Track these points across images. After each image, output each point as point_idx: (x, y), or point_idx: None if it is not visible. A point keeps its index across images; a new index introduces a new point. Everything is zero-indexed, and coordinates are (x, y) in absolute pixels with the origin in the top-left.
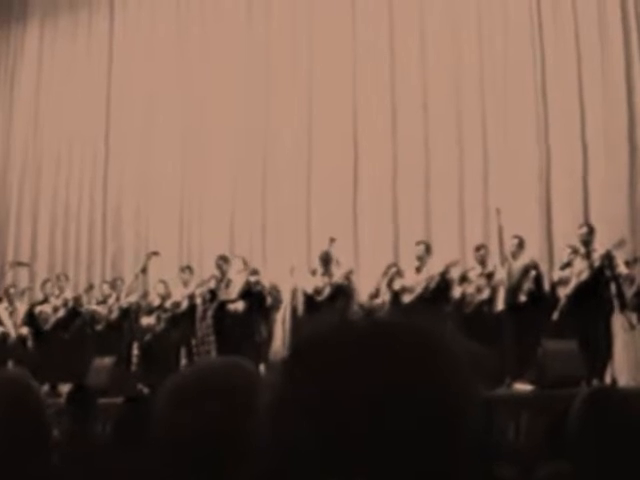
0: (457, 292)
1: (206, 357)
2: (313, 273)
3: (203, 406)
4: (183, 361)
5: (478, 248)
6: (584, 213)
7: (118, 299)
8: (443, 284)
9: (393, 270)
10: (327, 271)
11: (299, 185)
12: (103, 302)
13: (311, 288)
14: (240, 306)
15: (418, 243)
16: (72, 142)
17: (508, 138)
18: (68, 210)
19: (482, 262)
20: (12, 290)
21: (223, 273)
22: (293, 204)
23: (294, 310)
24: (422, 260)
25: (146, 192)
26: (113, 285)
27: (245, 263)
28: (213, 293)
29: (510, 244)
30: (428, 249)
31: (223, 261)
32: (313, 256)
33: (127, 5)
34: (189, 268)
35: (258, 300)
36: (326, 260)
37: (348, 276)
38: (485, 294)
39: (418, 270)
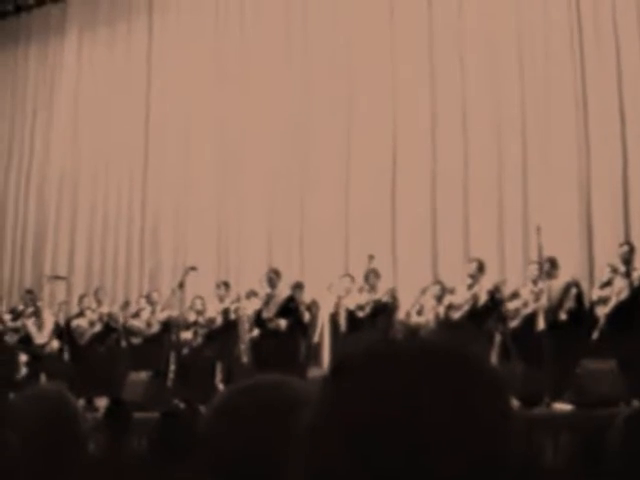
0: (506, 308)
1: (251, 374)
2: (360, 290)
3: (252, 425)
4: (218, 377)
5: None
6: (625, 231)
7: (154, 312)
8: (491, 302)
9: (437, 287)
10: (373, 288)
11: (337, 200)
12: (136, 315)
13: (352, 304)
14: (283, 324)
15: (471, 261)
16: (110, 156)
17: (548, 154)
18: (106, 224)
19: (535, 280)
20: (40, 303)
21: (273, 287)
22: (331, 219)
23: (335, 327)
24: (475, 278)
25: (184, 207)
26: (149, 299)
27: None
28: (258, 312)
29: (545, 266)
30: (481, 267)
31: (275, 275)
32: (351, 271)
33: (166, 16)
34: (225, 284)
35: (296, 317)
36: (368, 276)
37: (393, 293)
38: (530, 308)
39: (470, 287)
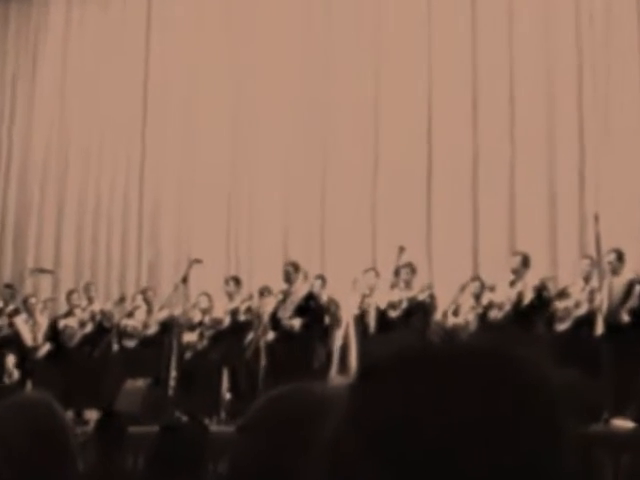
0: (554, 308)
1: (265, 382)
2: (392, 287)
3: (272, 438)
4: (225, 385)
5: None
6: None
7: (152, 311)
8: (537, 301)
9: (476, 284)
10: (407, 284)
11: (364, 183)
12: (132, 314)
13: (383, 302)
14: (297, 324)
15: (515, 254)
16: (103, 133)
17: (608, 132)
18: (98, 210)
19: (586, 277)
20: (32, 300)
21: (290, 283)
22: (356, 207)
23: (363, 328)
24: (518, 273)
25: (188, 191)
26: (145, 296)
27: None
28: (273, 313)
29: (607, 259)
30: (526, 261)
31: (293, 269)
32: (379, 267)
33: None
34: (235, 279)
35: (315, 317)
36: (399, 271)
37: (430, 290)
38: (583, 309)
39: (512, 284)
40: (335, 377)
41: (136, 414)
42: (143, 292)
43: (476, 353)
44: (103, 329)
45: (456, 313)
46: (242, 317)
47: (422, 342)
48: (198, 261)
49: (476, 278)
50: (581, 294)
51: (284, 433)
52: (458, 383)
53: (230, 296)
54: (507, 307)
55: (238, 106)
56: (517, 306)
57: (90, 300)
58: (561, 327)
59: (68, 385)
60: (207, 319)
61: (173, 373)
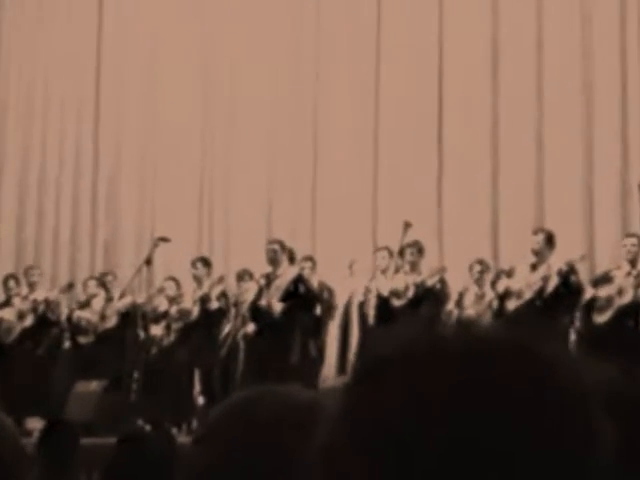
0: (589, 295)
1: (243, 384)
2: (396, 270)
3: (233, 452)
4: (197, 388)
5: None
6: None
7: (109, 300)
8: (564, 287)
9: (477, 267)
10: (414, 267)
11: (362, 150)
12: (86, 304)
13: (385, 289)
14: (277, 307)
15: (536, 232)
16: (49, 87)
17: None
18: (43, 179)
19: (633, 260)
20: None
21: (275, 265)
22: (353, 176)
23: (362, 318)
24: (541, 255)
25: (152, 156)
26: (101, 282)
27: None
28: (254, 301)
29: None
30: (550, 240)
31: (279, 248)
32: (381, 245)
33: None
34: (203, 260)
35: (305, 306)
36: (404, 251)
37: (441, 276)
38: (627, 297)
39: (534, 267)
40: (328, 377)
41: (89, 423)
42: (100, 277)
43: (496, 348)
44: (47, 323)
45: (458, 302)
46: (214, 305)
47: (431, 336)
48: (164, 240)
49: (479, 261)
50: (626, 280)
51: (248, 446)
52: (475, 384)
53: (198, 281)
54: (527, 294)
55: (211, 60)
56: (540, 294)
57: (32, 287)
58: (601, 318)
59: (5, 389)
60: (174, 309)
61: (135, 374)
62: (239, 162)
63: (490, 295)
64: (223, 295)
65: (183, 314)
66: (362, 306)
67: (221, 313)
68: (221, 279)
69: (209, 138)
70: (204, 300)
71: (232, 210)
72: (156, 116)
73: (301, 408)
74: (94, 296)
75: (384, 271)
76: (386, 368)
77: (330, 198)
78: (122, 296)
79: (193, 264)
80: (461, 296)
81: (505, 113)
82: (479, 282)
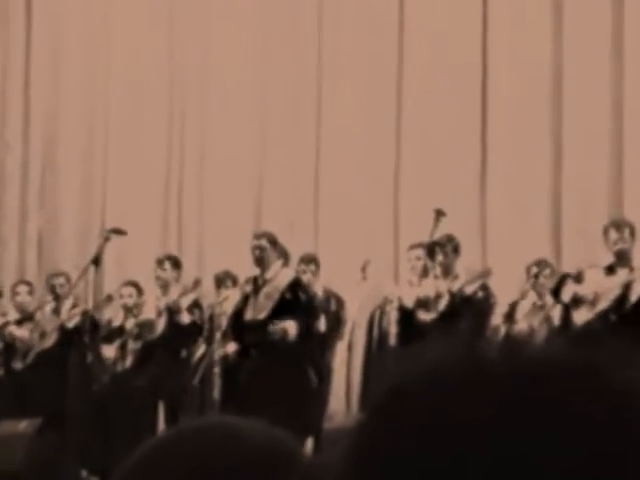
0: None
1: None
2: (423, 274)
3: None
4: (162, 424)
5: None
6: None
7: (57, 311)
8: None
9: (547, 271)
10: (447, 270)
11: (381, 117)
12: (22, 321)
13: (409, 298)
14: (293, 329)
15: (617, 225)
16: None
17: None
18: None
19: None
20: None
21: (264, 267)
22: (368, 157)
23: (380, 335)
24: (623, 255)
25: (101, 126)
26: (50, 286)
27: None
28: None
29: None
30: (632, 234)
31: (269, 245)
32: (403, 243)
33: None
34: (172, 260)
35: (305, 320)
36: (434, 250)
37: (484, 281)
38: None
39: (611, 271)
40: (336, 413)
41: (16, 474)
42: (48, 280)
43: (556, 374)
44: None
45: (510, 314)
46: (185, 318)
47: (470, 359)
48: (118, 232)
49: (541, 262)
50: None
51: None
52: (530, 420)
53: (164, 286)
54: (602, 304)
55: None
56: (618, 305)
57: None
58: None
59: None
60: (132, 323)
61: (79, 408)
62: (217, 133)
63: (552, 305)
64: (196, 305)
65: (144, 329)
66: (380, 321)
67: (194, 329)
68: (196, 284)
69: (178, 102)
70: (172, 311)
71: (209, 195)
72: (102, 72)
73: (254, 453)
74: (41, 306)
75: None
76: (412, 400)
77: (337, 183)
78: (75, 306)
79: (159, 264)
80: (513, 307)
81: (568, 71)
82: (538, 289)
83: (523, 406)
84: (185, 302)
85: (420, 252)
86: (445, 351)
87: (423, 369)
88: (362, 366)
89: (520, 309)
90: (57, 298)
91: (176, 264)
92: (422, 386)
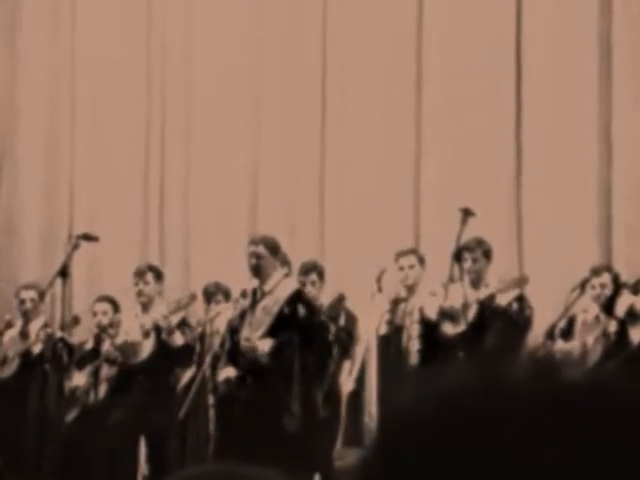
0: None
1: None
2: (449, 281)
3: None
4: (143, 468)
5: None
6: None
7: (24, 333)
8: None
9: (606, 276)
10: (478, 277)
11: (401, 120)
12: None
13: (432, 309)
14: (264, 347)
15: None
16: None
17: None
18: None
19: None
20: None
21: (262, 277)
22: (383, 149)
23: (399, 354)
24: None
25: (64, 108)
26: (20, 301)
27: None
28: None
29: None
30: None
31: (268, 252)
32: (424, 248)
33: None
34: (154, 271)
35: (309, 339)
36: (461, 255)
37: (520, 290)
38: None
39: None
40: (344, 450)
41: None
42: (16, 294)
43: (609, 401)
44: None
45: (568, 331)
46: (178, 340)
47: (506, 380)
48: (88, 238)
49: (603, 268)
50: None
51: None
52: (576, 451)
53: (146, 303)
54: None
55: None
56: None
57: None
58: None
59: None
60: (107, 345)
61: (45, 447)
62: (204, 122)
63: (604, 320)
64: (185, 324)
65: (127, 353)
66: (398, 336)
67: (187, 351)
68: (192, 299)
69: (157, 89)
70: (161, 332)
71: (195, 195)
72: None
73: None
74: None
75: (412, 285)
76: (433, 431)
77: (345, 180)
78: (46, 326)
79: (139, 276)
80: (571, 321)
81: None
82: (590, 301)
83: (552, 446)
84: (173, 320)
85: (413, 259)
86: (473, 373)
87: (443, 395)
88: (377, 391)
89: (565, 324)
90: (25, 315)
91: (158, 276)
92: (439, 417)
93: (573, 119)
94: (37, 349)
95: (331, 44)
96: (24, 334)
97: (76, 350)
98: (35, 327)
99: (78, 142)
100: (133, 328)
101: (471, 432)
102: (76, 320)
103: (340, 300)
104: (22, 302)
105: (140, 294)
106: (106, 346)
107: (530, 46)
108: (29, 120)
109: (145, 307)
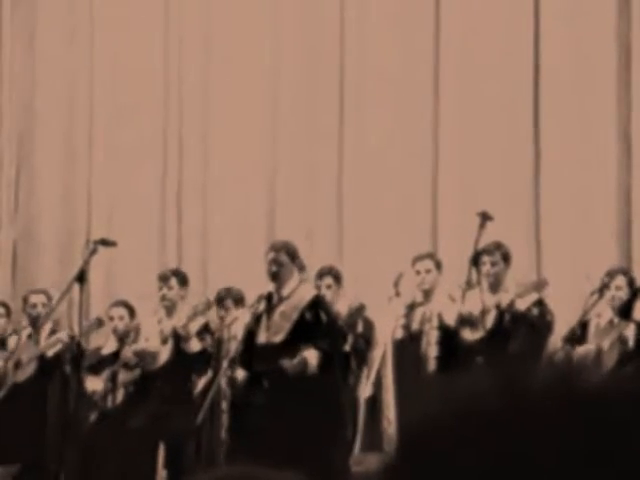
0: None
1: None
2: (467, 287)
3: None
4: (161, 474)
5: None
6: None
7: (35, 337)
8: None
9: (622, 279)
10: (497, 281)
11: (419, 122)
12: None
13: (450, 315)
14: (313, 359)
15: None
16: None
17: None
18: None
19: None
20: None
21: (280, 283)
22: (401, 152)
23: (417, 361)
24: None
25: (81, 113)
26: (28, 307)
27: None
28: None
29: None
30: None
31: (286, 256)
32: (442, 253)
33: None
34: (179, 276)
35: (328, 345)
36: (479, 259)
37: (539, 294)
38: None
39: None
40: (362, 455)
41: None
42: (24, 300)
43: (626, 405)
44: None
45: (582, 335)
46: (195, 347)
47: (526, 386)
48: (107, 244)
49: (620, 271)
50: None
51: None
52: (595, 455)
53: (170, 308)
54: None
55: None
56: None
57: None
58: None
59: None
60: (129, 351)
61: (64, 453)
62: (222, 124)
63: (620, 324)
64: (206, 330)
65: (146, 359)
66: (414, 341)
67: (204, 358)
68: (209, 304)
69: (175, 94)
70: (179, 338)
71: (212, 199)
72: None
73: None
74: (17, 331)
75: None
76: (453, 439)
77: (363, 183)
78: (54, 332)
79: (163, 281)
80: (584, 326)
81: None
82: (607, 304)
83: (571, 451)
84: (194, 326)
85: (430, 263)
86: (493, 380)
87: (462, 401)
88: (395, 398)
89: (584, 328)
90: (35, 321)
91: (183, 281)
92: (462, 423)
93: (592, 120)
94: (50, 353)
95: (349, 46)
96: (35, 338)
97: (91, 354)
98: (45, 332)
99: (96, 146)
100: (153, 334)
101: (493, 438)
102: (100, 322)
103: (360, 309)
104: (33, 306)
105: (164, 298)
106: (125, 351)
107: (548, 47)
108: (47, 124)
109: (169, 312)
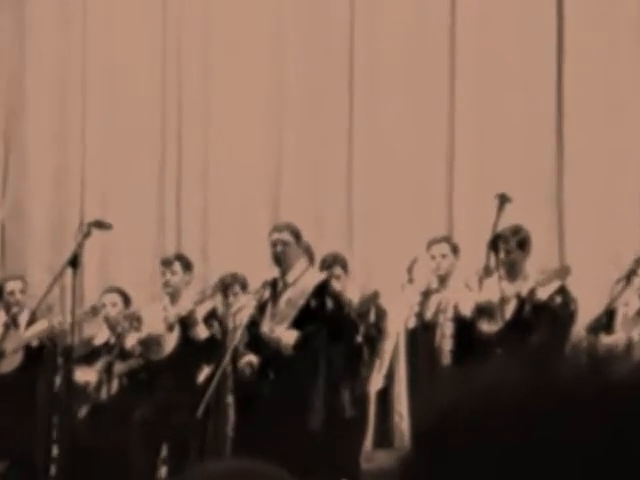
0: None
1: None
2: (485, 274)
3: None
4: (163, 470)
5: None
6: None
7: (14, 327)
8: None
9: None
10: (512, 267)
11: (433, 102)
12: None
13: (468, 305)
14: (291, 338)
15: None
16: None
17: None
18: None
19: None
20: None
21: (285, 267)
22: (415, 129)
23: (431, 353)
24: None
25: (74, 89)
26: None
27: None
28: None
29: None
30: None
31: (293, 238)
32: (458, 237)
33: None
34: (182, 260)
35: (336, 333)
36: (497, 244)
37: (562, 282)
38: None
39: None
40: (373, 451)
41: None
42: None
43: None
44: None
45: (608, 325)
46: (202, 333)
47: (550, 378)
48: (101, 226)
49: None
50: None
51: None
52: (622, 447)
53: (173, 294)
54: None
55: None
56: None
57: None
58: None
59: None
60: (134, 340)
61: (54, 450)
62: (223, 104)
63: None
64: (213, 316)
65: (150, 348)
66: (428, 332)
67: (212, 346)
68: (217, 289)
69: (173, 71)
70: (185, 325)
71: (213, 182)
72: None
73: None
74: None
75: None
76: (470, 434)
77: (374, 166)
78: (32, 320)
79: (166, 266)
80: (611, 315)
81: None
82: (633, 292)
83: (597, 442)
84: (200, 312)
85: (446, 247)
86: (514, 373)
87: (482, 394)
88: (407, 392)
89: (604, 317)
90: (8, 309)
91: (187, 266)
92: (478, 419)
93: (616, 101)
94: (34, 343)
95: (359, 27)
96: (14, 326)
97: (82, 344)
98: (23, 319)
99: (90, 124)
100: (157, 321)
101: (517, 433)
102: (94, 310)
103: (374, 297)
104: (11, 293)
105: (167, 284)
106: (129, 341)
107: (572, 26)
108: (39, 104)
109: (173, 298)
